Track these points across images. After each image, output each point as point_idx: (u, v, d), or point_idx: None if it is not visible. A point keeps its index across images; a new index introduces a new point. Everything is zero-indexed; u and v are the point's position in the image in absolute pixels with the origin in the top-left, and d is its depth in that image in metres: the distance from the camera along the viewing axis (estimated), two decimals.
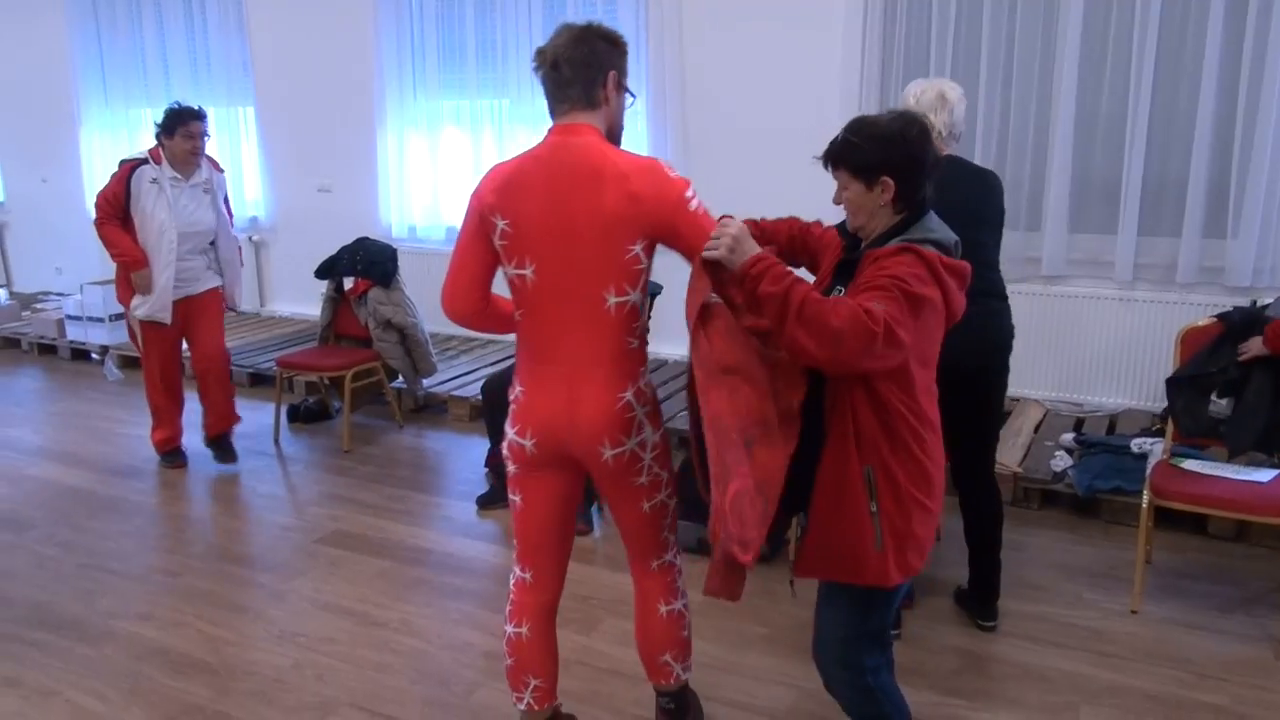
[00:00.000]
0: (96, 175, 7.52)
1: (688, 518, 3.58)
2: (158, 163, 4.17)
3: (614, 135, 2.11)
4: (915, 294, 1.77)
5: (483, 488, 4.18)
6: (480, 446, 4.52)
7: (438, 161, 6.23)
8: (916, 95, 2.83)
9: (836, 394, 1.85)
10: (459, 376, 5.46)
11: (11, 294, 7.73)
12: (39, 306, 6.97)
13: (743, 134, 5.21)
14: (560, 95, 2.04)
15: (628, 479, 2.16)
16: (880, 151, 1.88)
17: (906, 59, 4.80)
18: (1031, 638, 2.99)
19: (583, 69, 2.01)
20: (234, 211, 4.64)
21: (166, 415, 4.52)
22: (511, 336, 2.22)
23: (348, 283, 5.03)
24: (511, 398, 2.19)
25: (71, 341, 6.55)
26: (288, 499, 4.18)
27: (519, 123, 5.83)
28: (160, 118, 4.20)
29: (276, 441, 4.89)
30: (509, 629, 2.32)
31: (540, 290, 2.05)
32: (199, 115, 4.21)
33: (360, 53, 6.22)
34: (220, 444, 4.57)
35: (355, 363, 4.83)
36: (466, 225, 2.12)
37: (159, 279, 4.18)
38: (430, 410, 5.34)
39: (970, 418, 2.80)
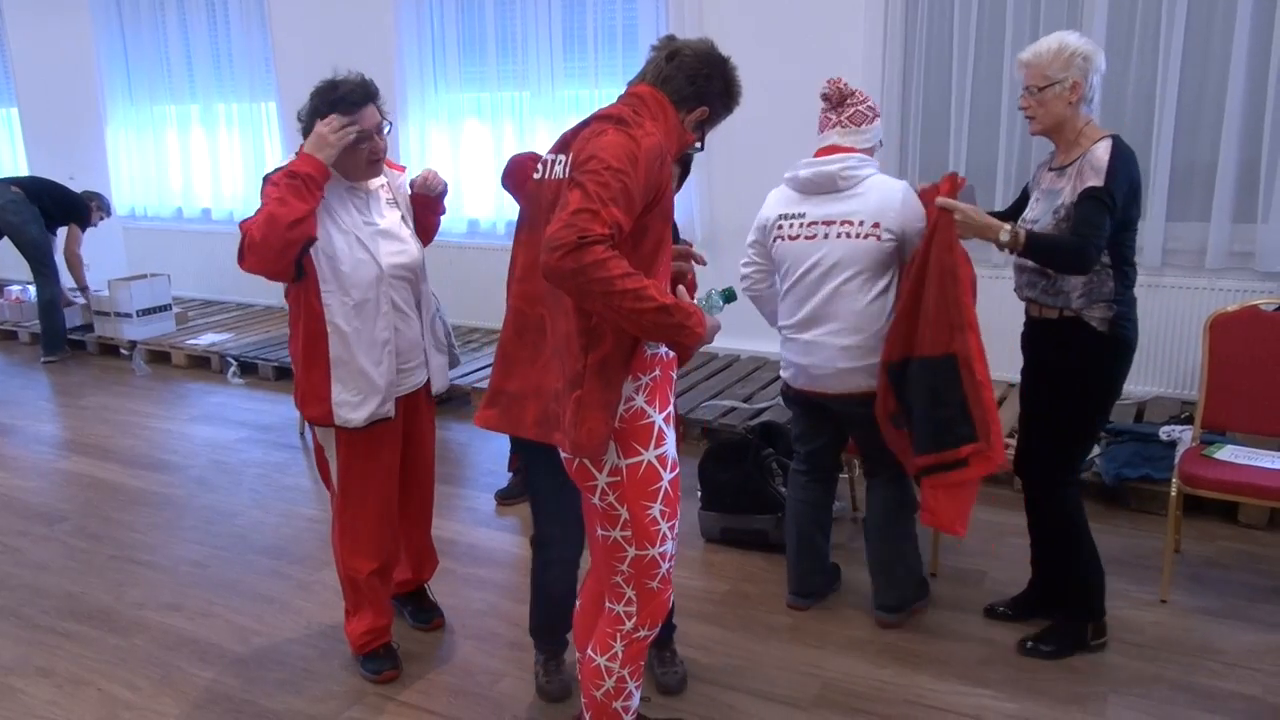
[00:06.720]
0: (123, 172, 7.61)
1: (709, 508, 3.59)
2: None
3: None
4: None
5: (505, 480, 4.20)
6: (502, 439, 4.53)
7: (459, 154, 6.24)
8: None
9: None
10: (482, 369, 5.48)
11: None
12: (68, 302, 7.04)
13: (762, 103, 5.18)
14: None
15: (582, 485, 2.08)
16: None
17: (929, 41, 4.77)
18: None
19: None
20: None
21: (377, 589, 2.78)
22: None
23: None
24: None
25: (99, 337, 6.63)
26: (314, 491, 4.21)
27: (539, 115, 5.79)
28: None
29: (302, 434, 4.92)
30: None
31: None
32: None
33: (381, 47, 6.24)
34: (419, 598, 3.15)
35: None
36: None
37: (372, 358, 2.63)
38: (453, 402, 5.36)
39: None
